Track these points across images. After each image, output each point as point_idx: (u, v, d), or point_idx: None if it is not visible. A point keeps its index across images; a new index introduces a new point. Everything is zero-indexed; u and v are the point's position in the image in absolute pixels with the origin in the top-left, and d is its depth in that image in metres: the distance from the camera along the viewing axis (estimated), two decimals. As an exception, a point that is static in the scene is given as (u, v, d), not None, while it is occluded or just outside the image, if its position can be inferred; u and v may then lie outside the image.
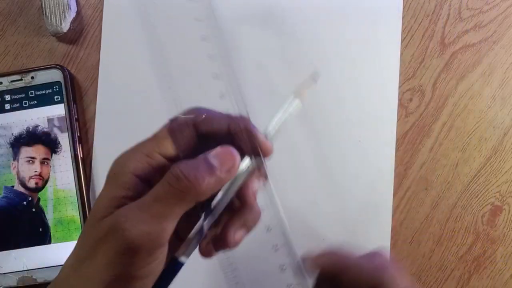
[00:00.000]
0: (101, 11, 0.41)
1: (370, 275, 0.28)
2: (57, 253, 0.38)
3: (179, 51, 0.40)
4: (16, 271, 0.38)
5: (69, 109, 0.39)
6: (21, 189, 0.39)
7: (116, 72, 0.40)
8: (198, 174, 0.24)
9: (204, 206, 0.25)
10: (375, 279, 0.27)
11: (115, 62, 0.40)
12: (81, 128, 0.40)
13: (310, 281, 0.29)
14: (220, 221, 0.26)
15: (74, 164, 0.39)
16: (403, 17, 0.40)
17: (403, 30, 0.40)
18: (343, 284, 0.28)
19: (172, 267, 0.25)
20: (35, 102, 0.39)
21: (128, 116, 0.40)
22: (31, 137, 0.39)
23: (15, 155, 0.39)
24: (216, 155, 0.25)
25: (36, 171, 0.39)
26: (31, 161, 0.39)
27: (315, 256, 0.29)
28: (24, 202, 0.39)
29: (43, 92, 0.39)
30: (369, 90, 0.39)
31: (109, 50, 0.40)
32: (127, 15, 0.40)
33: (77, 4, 0.40)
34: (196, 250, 0.26)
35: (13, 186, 0.39)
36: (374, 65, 0.39)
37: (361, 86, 0.39)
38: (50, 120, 0.39)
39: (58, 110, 0.39)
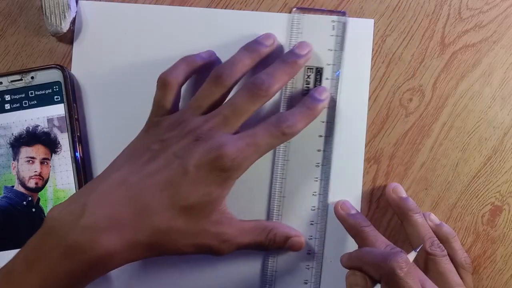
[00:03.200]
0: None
1: (377, 265, 0.31)
2: (57, 253, 0.38)
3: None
4: (16, 271, 0.38)
5: (69, 109, 0.39)
6: (21, 189, 0.39)
7: (117, 72, 0.40)
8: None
9: None
10: (383, 268, 0.30)
11: (117, 62, 0.40)
12: (81, 128, 0.40)
13: None
14: None
15: (74, 164, 0.39)
16: (402, 18, 0.40)
17: (402, 31, 0.40)
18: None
19: None
20: (35, 102, 0.39)
21: (129, 117, 0.40)
22: (31, 137, 0.39)
23: (15, 155, 0.39)
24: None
25: (36, 171, 0.39)
26: (31, 161, 0.39)
27: (346, 256, 0.33)
28: (24, 202, 0.39)
29: (43, 92, 0.39)
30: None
31: (113, 50, 0.40)
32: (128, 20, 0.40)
33: (77, 4, 0.40)
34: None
35: (13, 186, 0.39)
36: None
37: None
38: (50, 120, 0.39)
39: (58, 110, 0.39)
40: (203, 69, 0.38)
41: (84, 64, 0.40)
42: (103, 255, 0.30)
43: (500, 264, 0.39)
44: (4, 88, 0.39)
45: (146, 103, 0.40)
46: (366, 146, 0.39)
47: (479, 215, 0.39)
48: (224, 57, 0.37)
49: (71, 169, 0.39)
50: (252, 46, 0.37)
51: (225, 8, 0.40)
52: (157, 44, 0.40)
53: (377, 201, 0.39)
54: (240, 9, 0.40)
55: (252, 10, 0.40)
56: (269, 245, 0.35)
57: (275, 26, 0.39)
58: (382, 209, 0.39)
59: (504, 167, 0.39)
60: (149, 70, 0.40)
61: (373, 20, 0.40)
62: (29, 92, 0.39)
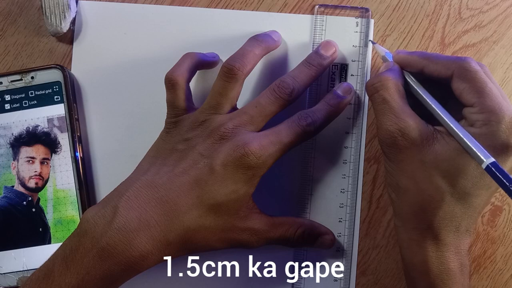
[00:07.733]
0: (101, 11, 0.41)
1: (450, 61, 0.33)
2: (57, 253, 0.38)
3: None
4: (16, 271, 0.38)
5: (69, 109, 0.39)
6: (21, 189, 0.39)
7: (117, 72, 0.40)
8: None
9: None
10: (455, 64, 0.33)
11: (117, 62, 0.40)
12: (81, 128, 0.40)
13: None
14: None
15: (74, 164, 0.39)
16: (402, 18, 0.40)
17: (402, 31, 0.40)
18: (426, 74, 0.34)
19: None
20: (35, 102, 0.39)
21: (129, 116, 0.40)
22: (31, 137, 0.39)
23: (15, 155, 0.39)
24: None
25: (36, 171, 0.39)
26: (31, 161, 0.39)
27: (403, 54, 0.35)
28: (24, 202, 0.39)
29: (43, 92, 0.39)
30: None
31: (113, 50, 0.40)
32: (133, 20, 0.40)
33: (77, 4, 0.40)
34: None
35: (13, 186, 0.39)
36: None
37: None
38: (50, 120, 0.39)
39: (58, 110, 0.39)
40: (207, 66, 0.38)
41: (84, 64, 0.40)
42: (136, 256, 0.30)
43: (500, 264, 0.39)
44: (4, 88, 0.39)
45: (146, 103, 0.40)
46: (366, 146, 0.39)
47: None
48: (224, 58, 0.37)
49: (71, 169, 0.39)
50: (260, 36, 0.37)
51: (225, 8, 0.40)
52: (157, 44, 0.40)
53: (377, 201, 0.39)
54: (240, 9, 0.40)
55: (252, 10, 0.40)
56: (298, 241, 0.36)
57: (275, 26, 0.39)
58: (382, 209, 0.39)
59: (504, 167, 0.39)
60: (149, 70, 0.40)
61: (373, 20, 0.40)
62: (29, 92, 0.39)
